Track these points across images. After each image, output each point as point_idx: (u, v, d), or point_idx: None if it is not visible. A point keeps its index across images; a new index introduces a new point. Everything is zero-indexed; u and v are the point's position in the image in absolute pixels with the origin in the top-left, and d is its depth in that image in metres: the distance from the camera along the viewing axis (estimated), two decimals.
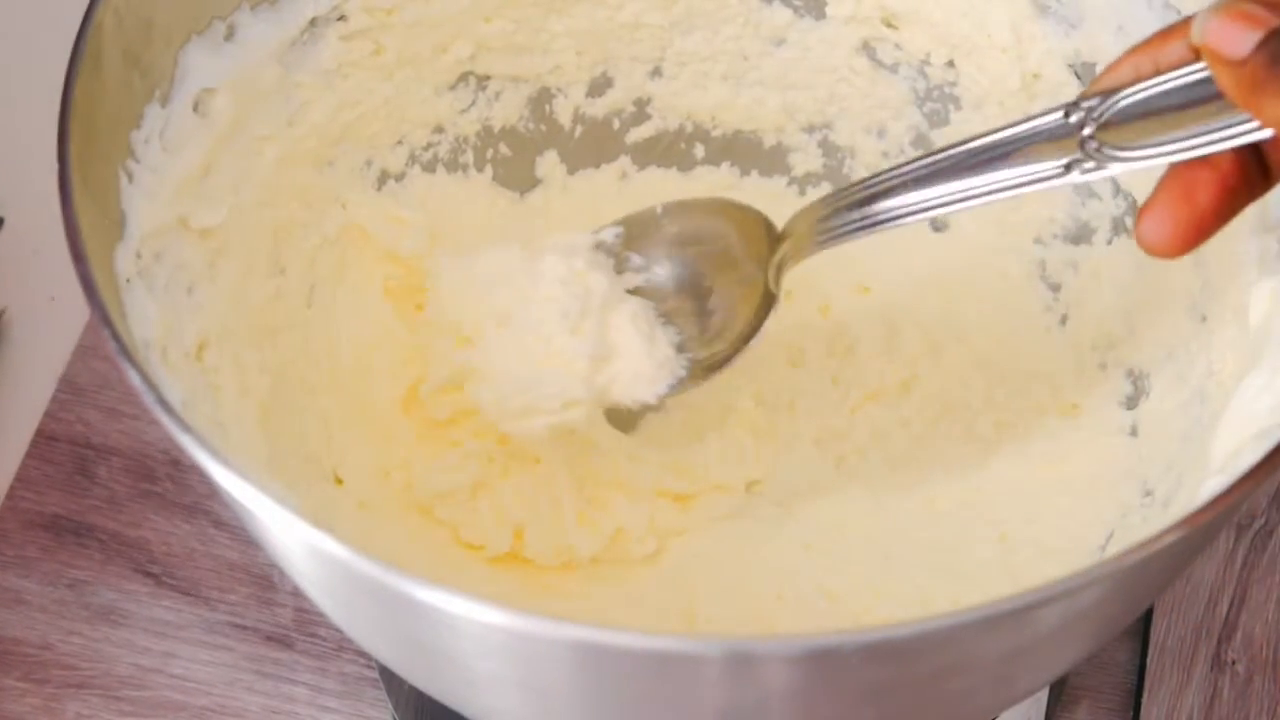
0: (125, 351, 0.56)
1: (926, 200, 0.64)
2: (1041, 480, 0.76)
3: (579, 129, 0.83)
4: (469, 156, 0.82)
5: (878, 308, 0.82)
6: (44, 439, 0.86)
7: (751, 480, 0.79)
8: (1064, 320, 0.80)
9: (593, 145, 0.84)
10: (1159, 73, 0.58)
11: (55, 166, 0.60)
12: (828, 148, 0.84)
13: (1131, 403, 0.76)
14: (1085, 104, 0.59)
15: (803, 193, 0.85)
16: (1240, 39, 0.54)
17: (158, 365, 0.63)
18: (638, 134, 0.84)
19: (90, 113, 0.62)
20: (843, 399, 0.80)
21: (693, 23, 0.81)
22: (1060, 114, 0.60)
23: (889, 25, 0.80)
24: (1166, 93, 0.57)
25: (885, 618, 0.50)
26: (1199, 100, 0.57)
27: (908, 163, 0.64)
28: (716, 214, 0.74)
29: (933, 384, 0.80)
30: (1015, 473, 0.77)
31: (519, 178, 0.84)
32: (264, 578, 0.82)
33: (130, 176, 0.65)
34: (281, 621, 0.81)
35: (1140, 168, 0.59)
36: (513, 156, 0.83)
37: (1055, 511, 0.75)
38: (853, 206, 0.66)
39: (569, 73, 0.82)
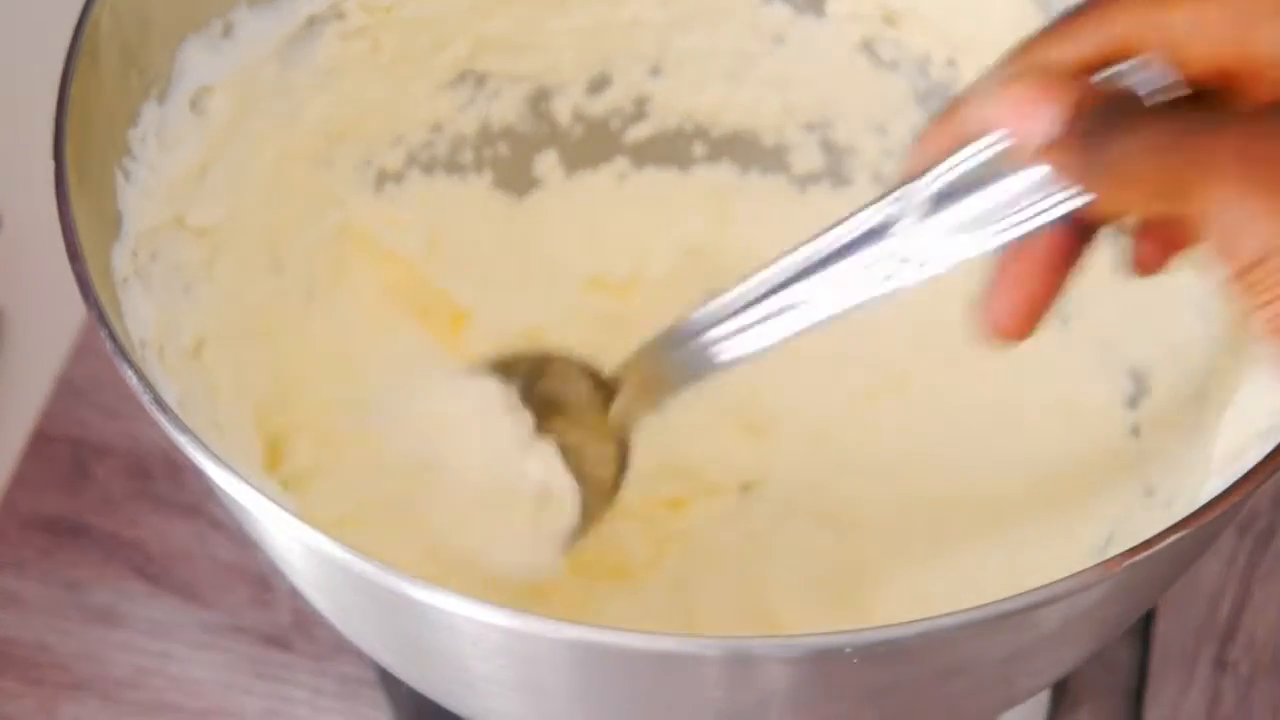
0: (122, 351, 0.56)
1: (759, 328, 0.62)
2: (1041, 480, 0.76)
3: (578, 127, 0.83)
4: (467, 155, 0.82)
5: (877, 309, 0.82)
6: (41, 439, 0.86)
7: (749, 480, 0.79)
8: (1065, 319, 0.80)
9: (592, 144, 0.84)
10: (961, 146, 0.56)
11: (53, 165, 0.60)
12: (828, 146, 0.84)
13: (1133, 402, 0.76)
14: (896, 195, 0.58)
15: (803, 190, 0.85)
16: (1042, 121, 0.52)
17: (155, 365, 0.63)
18: (637, 132, 0.84)
19: (87, 111, 0.62)
20: (841, 398, 0.80)
21: (692, 21, 0.81)
22: (878, 210, 0.58)
23: (889, 23, 0.79)
24: (970, 170, 0.56)
25: (885, 617, 0.50)
26: (1005, 171, 0.54)
27: (736, 287, 0.63)
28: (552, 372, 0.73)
29: (931, 384, 0.80)
30: (1015, 472, 0.77)
31: (517, 177, 0.84)
32: (262, 578, 0.82)
33: (127, 175, 0.65)
34: (279, 622, 0.81)
35: (968, 256, 0.57)
36: (511, 155, 0.83)
37: (1055, 511, 0.74)
38: (685, 340, 0.64)
39: (568, 71, 0.81)
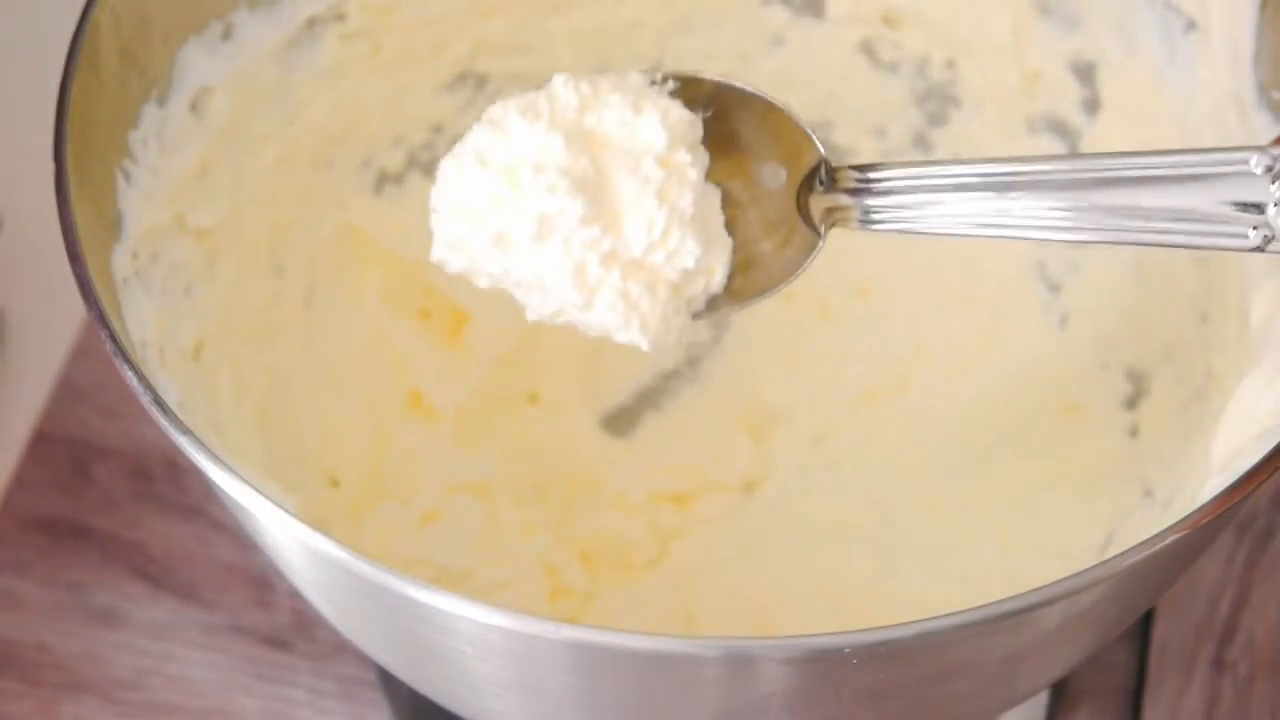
0: (122, 352, 0.56)
1: (1040, 217, 0.56)
2: (1041, 480, 0.76)
3: None
4: None
5: (877, 310, 0.82)
6: (41, 440, 0.86)
7: (751, 481, 0.79)
8: (1064, 320, 0.80)
9: None
10: None
11: (53, 167, 0.60)
12: (828, 147, 0.83)
13: (1132, 403, 0.76)
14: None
15: None
16: None
17: (155, 366, 0.63)
18: None
19: (87, 112, 0.62)
20: (841, 399, 0.80)
21: (692, 22, 0.81)
22: (1246, 158, 0.53)
23: (888, 24, 0.79)
24: None
25: (885, 618, 0.50)
26: None
27: (1023, 161, 0.57)
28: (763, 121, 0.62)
29: (931, 384, 0.80)
30: (1015, 473, 0.77)
31: None
32: (262, 579, 0.82)
33: (127, 176, 0.65)
34: (279, 623, 0.81)
35: None
36: None
37: (1055, 511, 0.75)
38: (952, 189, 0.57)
39: (568, 72, 0.81)
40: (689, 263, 0.58)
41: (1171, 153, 0.55)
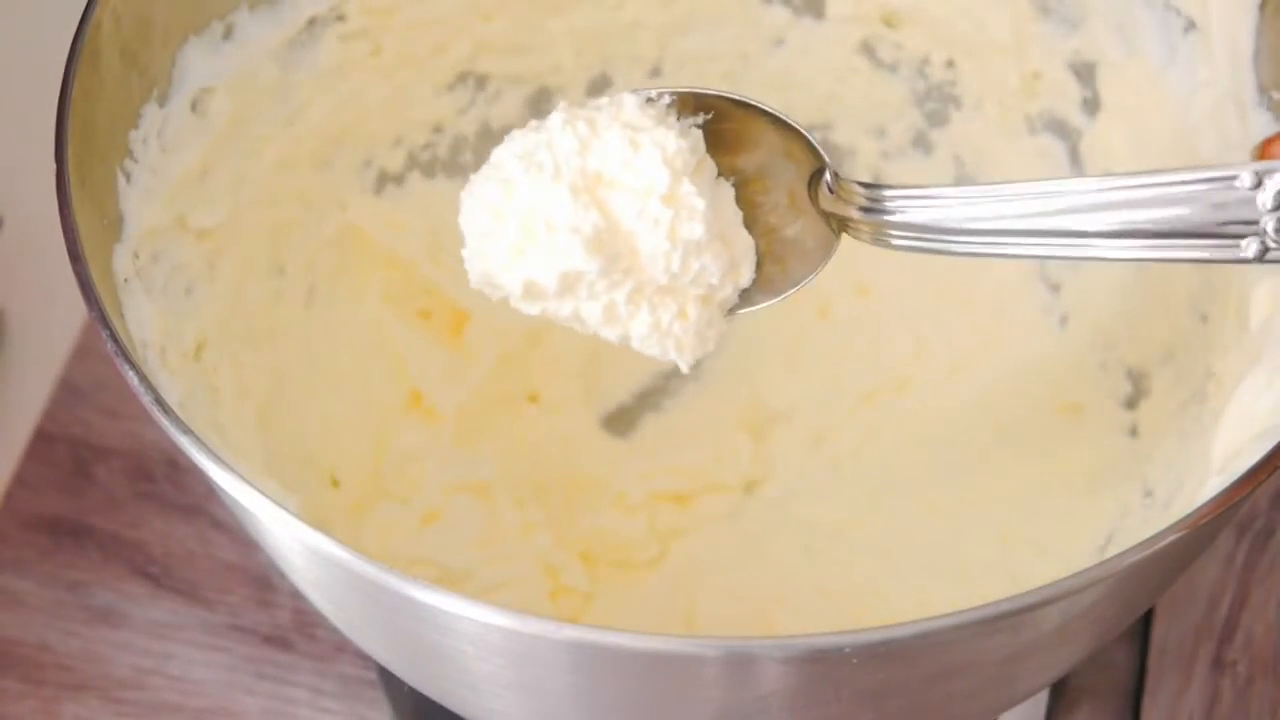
0: (123, 352, 0.56)
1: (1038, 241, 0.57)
2: (1041, 480, 0.76)
3: None
4: (468, 157, 0.82)
5: (877, 310, 0.82)
6: (42, 440, 0.86)
7: (751, 481, 0.79)
8: (1064, 321, 0.80)
9: None
10: None
11: (54, 166, 0.60)
12: (827, 148, 0.83)
13: (1131, 403, 0.76)
14: (1270, 173, 0.54)
15: None
16: None
17: (156, 366, 0.63)
18: None
19: (88, 112, 0.62)
20: (841, 400, 0.80)
21: (692, 22, 0.81)
22: (1235, 173, 0.54)
23: (888, 25, 0.79)
24: None
25: (885, 618, 0.50)
26: None
27: (1019, 185, 0.58)
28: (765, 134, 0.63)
29: (931, 385, 0.80)
30: (1015, 473, 0.77)
31: None
32: (263, 579, 0.82)
33: (128, 177, 0.65)
34: (280, 623, 0.81)
35: None
36: None
37: (1055, 511, 0.75)
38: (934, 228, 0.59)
39: (568, 72, 0.82)
40: (713, 280, 0.60)
41: (1161, 172, 0.55)
